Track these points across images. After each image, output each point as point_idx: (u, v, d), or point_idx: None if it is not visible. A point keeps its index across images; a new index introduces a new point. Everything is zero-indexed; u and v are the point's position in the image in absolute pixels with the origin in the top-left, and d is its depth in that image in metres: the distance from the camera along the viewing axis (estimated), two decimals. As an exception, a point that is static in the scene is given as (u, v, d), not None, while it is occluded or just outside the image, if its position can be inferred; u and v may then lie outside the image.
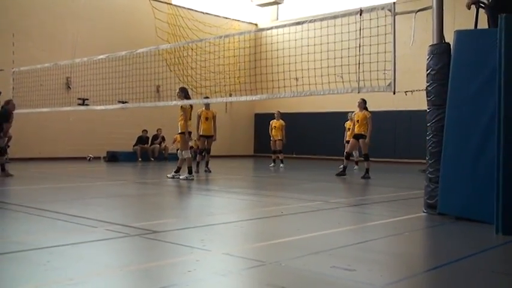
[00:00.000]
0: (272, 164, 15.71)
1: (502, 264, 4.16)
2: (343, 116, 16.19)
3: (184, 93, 10.86)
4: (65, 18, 18.13)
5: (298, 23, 8.63)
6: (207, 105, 12.33)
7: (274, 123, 16.03)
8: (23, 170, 13.20)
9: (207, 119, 12.41)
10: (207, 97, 13.16)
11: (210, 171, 12.87)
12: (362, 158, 12.70)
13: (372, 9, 7.37)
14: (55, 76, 14.11)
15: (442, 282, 3.51)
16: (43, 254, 3.99)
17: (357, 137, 12.20)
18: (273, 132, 15.92)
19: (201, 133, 12.85)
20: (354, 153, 14.78)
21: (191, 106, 11.53)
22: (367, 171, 11.79)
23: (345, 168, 12.20)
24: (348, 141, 13.71)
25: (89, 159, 17.72)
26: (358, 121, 12.14)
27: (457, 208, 5.79)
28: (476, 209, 5.55)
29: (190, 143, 11.69)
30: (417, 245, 4.98)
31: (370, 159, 12.14)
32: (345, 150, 12.97)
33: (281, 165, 15.54)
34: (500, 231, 4.95)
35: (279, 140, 15.81)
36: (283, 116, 16.71)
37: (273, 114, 16.47)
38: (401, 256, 4.32)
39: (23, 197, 7.85)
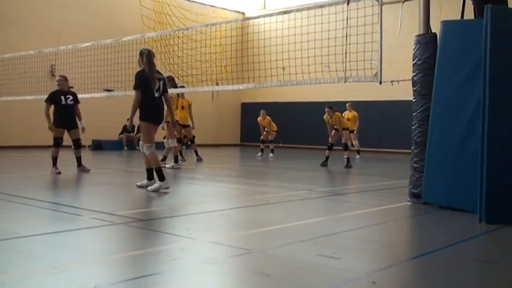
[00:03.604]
0: (260, 154, 15.70)
1: (485, 252, 4.22)
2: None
3: (172, 82, 10.80)
4: (49, 4, 17.87)
5: (285, 12, 8.61)
6: (182, 94, 12.23)
7: (263, 123, 16.00)
8: (6, 158, 13.07)
9: (182, 107, 12.32)
10: (182, 86, 13.09)
11: (201, 160, 12.85)
12: (354, 148, 13.12)
13: (359, -2, 7.36)
14: (39, 64, 13.94)
15: (426, 270, 3.54)
16: (26, 243, 3.95)
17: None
18: (266, 129, 15.95)
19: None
20: (353, 142, 14.99)
21: (178, 95, 11.47)
22: (347, 160, 11.92)
23: (327, 158, 12.26)
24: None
25: (74, 147, 17.57)
26: (335, 125, 12.35)
27: (441, 197, 5.84)
28: (460, 198, 5.60)
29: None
30: (402, 234, 5.02)
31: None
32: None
33: (270, 154, 15.54)
34: (484, 220, 5.01)
35: (273, 131, 15.87)
36: (270, 105, 16.73)
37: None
38: (386, 244, 4.35)
39: (5, 185, 7.76)
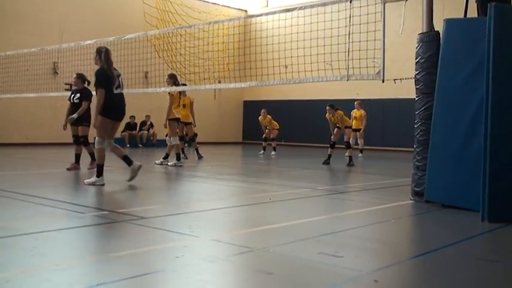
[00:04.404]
0: (262, 152, 15.70)
1: (487, 251, 4.21)
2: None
3: (173, 80, 10.80)
4: (52, 2, 17.88)
5: (287, 10, 8.58)
6: (184, 92, 12.22)
7: (264, 122, 16.01)
8: (9, 155, 13.10)
9: (184, 105, 12.31)
10: (184, 84, 13.08)
11: (202, 157, 12.87)
12: (358, 146, 13.82)
13: (362, -4, 7.34)
14: (42, 61, 13.91)
15: (428, 268, 3.54)
16: (29, 240, 3.96)
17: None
18: (267, 128, 15.96)
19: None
20: (359, 141, 15.06)
21: (180, 93, 11.47)
22: (350, 158, 11.94)
23: (329, 156, 12.23)
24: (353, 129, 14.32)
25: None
26: (338, 123, 12.33)
27: (443, 196, 5.84)
28: (462, 197, 5.60)
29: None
30: (404, 232, 5.02)
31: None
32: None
33: (273, 152, 15.53)
34: (486, 218, 5.00)
35: (274, 129, 15.89)
36: (272, 103, 16.70)
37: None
38: (388, 243, 4.35)
39: (8, 182, 7.78)
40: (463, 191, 5.59)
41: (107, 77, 7.22)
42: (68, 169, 9.26)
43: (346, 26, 7.56)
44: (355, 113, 15.16)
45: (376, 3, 7.08)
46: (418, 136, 6.25)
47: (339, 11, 7.69)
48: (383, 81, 7.07)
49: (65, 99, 10.09)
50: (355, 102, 15.45)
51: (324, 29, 8.47)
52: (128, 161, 7.39)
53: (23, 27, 17.16)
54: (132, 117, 19.14)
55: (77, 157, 9.52)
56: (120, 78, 7.52)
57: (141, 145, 18.91)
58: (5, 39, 16.24)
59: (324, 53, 8.44)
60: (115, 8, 19.32)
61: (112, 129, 7.57)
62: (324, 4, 7.90)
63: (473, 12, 6.35)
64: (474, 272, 3.47)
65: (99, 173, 7.24)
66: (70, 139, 9.83)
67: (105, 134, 7.44)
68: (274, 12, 9.40)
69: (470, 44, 5.65)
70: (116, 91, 7.30)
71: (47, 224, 4.65)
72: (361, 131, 15.22)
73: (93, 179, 7.24)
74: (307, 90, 20.80)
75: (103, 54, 7.29)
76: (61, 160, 9.44)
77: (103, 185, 7.16)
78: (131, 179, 7.33)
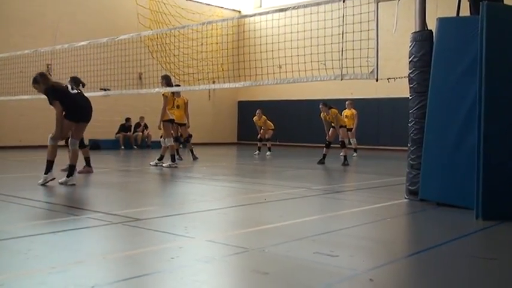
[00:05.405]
0: (257, 152, 15.70)
1: (481, 248, 4.24)
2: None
3: (166, 81, 10.79)
4: (45, 3, 17.83)
5: (281, 10, 8.59)
6: (178, 93, 12.19)
7: (259, 122, 16.02)
8: (3, 158, 13.05)
9: (178, 106, 12.29)
10: (178, 85, 13.07)
11: (197, 158, 12.85)
12: (351, 145, 14.07)
13: (355, -4, 7.35)
14: (35, 63, 13.87)
15: (423, 267, 3.56)
16: (24, 243, 3.95)
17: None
18: (262, 128, 15.98)
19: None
20: (351, 140, 15.11)
21: (173, 94, 11.46)
22: (344, 158, 11.94)
23: (324, 156, 12.23)
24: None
25: (71, 147, 17.52)
26: (333, 122, 12.34)
27: (438, 194, 5.86)
28: (456, 195, 5.62)
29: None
30: (398, 231, 5.03)
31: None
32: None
33: (268, 153, 15.53)
34: (480, 216, 5.03)
35: (269, 129, 15.90)
36: (267, 103, 16.70)
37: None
38: (383, 242, 4.36)
39: (2, 185, 7.75)
40: (457, 189, 5.62)
41: (55, 89, 7.43)
42: (79, 172, 8.99)
43: (339, 26, 7.58)
44: (346, 112, 15.22)
45: (369, 3, 7.10)
46: (412, 135, 6.27)
47: (332, 11, 7.71)
48: (377, 81, 7.09)
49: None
50: (346, 102, 15.57)
51: (318, 29, 8.48)
52: (71, 170, 7.47)
53: (17, 29, 17.10)
54: (128, 119, 19.11)
55: (87, 160, 9.39)
56: (70, 84, 7.89)
57: (135, 147, 18.88)
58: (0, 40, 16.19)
59: (318, 53, 8.45)
60: (108, 9, 19.28)
61: (77, 129, 7.75)
62: (318, 4, 7.92)
63: (465, 11, 6.37)
64: (469, 270, 3.49)
65: (71, 173, 7.41)
66: (63, 142, 9.70)
67: (59, 135, 7.59)
68: (267, 13, 9.41)
69: (463, 43, 5.67)
70: (72, 91, 7.59)
71: (42, 227, 4.64)
72: (352, 130, 15.27)
73: (64, 178, 7.36)
74: (301, 90, 20.82)
75: (44, 77, 7.53)
76: (55, 162, 9.38)
77: (74, 184, 7.31)
78: (44, 182, 7.32)
